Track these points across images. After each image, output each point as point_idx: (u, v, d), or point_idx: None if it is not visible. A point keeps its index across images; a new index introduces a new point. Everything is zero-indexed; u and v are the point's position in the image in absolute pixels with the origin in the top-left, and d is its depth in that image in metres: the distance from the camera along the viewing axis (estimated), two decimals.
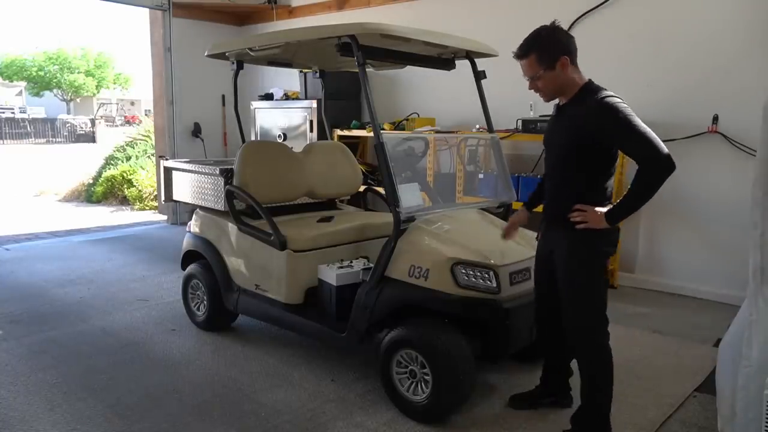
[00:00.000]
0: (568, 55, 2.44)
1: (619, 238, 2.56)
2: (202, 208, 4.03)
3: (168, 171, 4.31)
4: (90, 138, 32.01)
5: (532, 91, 2.57)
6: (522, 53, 2.49)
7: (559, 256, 2.54)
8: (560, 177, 2.57)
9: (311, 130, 6.38)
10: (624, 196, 2.35)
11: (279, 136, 6.68)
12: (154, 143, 9.22)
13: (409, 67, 3.89)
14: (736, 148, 4.50)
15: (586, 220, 2.41)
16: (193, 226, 4.07)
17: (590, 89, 2.45)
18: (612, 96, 2.39)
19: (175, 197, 4.31)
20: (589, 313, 2.50)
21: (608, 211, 2.38)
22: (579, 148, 2.44)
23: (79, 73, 39.37)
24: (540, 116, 5.05)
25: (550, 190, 2.64)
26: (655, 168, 2.26)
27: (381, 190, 4.67)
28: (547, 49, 2.44)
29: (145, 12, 7.89)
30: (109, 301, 4.63)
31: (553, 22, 2.51)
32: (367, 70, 3.06)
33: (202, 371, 3.37)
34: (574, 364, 2.70)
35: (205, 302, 3.91)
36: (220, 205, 3.78)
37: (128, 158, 11.00)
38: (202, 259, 3.94)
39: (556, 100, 2.60)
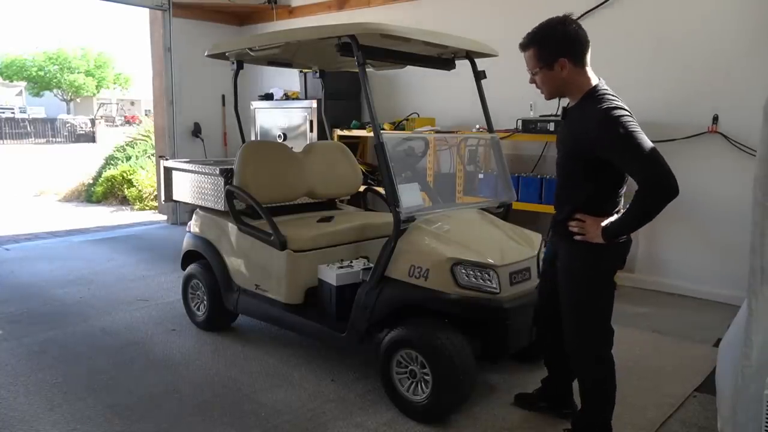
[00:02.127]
0: (570, 56, 2.24)
1: (628, 251, 2.39)
2: (202, 208, 4.03)
3: (168, 171, 4.31)
4: (90, 138, 32.02)
5: (534, 86, 2.41)
6: (524, 44, 2.33)
7: (561, 265, 2.45)
8: (566, 183, 2.43)
9: (311, 130, 6.38)
10: (622, 214, 2.21)
11: (279, 136, 6.68)
12: (154, 143, 9.22)
13: (409, 67, 3.89)
14: (736, 148, 4.50)
15: (584, 232, 2.28)
16: (193, 226, 4.07)
17: (594, 96, 2.24)
18: (615, 107, 2.16)
19: (175, 197, 4.31)
20: (589, 328, 2.39)
21: (605, 226, 2.21)
22: (582, 159, 2.27)
23: (79, 73, 39.39)
24: (540, 116, 5.04)
25: (557, 193, 2.49)
26: (655, 191, 2.05)
27: (381, 190, 4.67)
28: (547, 47, 2.26)
29: (145, 12, 7.89)
30: (109, 301, 4.63)
31: (567, 16, 2.28)
32: (367, 70, 3.06)
33: (202, 371, 3.37)
34: None
35: (205, 302, 3.91)
36: (220, 205, 3.78)
37: (128, 158, 11.01)
38: (202, 259, 3.94)
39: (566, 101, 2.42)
